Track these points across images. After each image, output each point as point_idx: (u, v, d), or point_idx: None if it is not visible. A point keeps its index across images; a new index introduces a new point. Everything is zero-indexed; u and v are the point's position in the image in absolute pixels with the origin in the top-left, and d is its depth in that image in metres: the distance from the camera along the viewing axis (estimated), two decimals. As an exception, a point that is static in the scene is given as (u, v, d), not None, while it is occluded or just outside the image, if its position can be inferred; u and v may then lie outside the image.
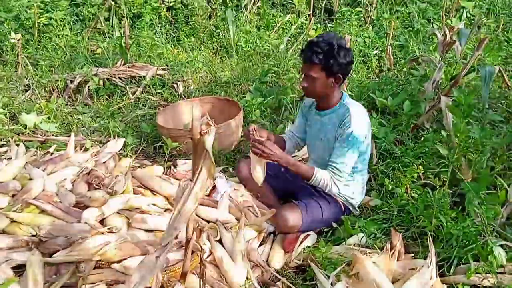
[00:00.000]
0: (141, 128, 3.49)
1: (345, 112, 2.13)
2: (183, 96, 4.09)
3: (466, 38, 3.03)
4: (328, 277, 1.84)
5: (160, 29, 5.44)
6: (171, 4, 5.70)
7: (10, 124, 3.42)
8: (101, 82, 4.08)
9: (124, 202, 2.15)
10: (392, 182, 2.39)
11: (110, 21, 5.29)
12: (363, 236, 2.12)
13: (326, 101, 2.21)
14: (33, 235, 1.95)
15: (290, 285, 1.91)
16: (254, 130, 2.11)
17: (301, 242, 2.15)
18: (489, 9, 5.85)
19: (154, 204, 2.27)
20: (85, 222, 1.99)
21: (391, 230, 2.06)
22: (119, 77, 4.23)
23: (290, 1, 6.07)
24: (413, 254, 2.02)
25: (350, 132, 2.06)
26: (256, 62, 4.80)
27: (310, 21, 5.22)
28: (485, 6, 5.87)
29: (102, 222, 2.08)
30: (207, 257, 1.96)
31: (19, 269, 1.86)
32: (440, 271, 1.90)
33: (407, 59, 4.28)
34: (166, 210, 2.29)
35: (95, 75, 4.12)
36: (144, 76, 4.26)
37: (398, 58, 4.65)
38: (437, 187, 2.21)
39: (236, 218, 2.26)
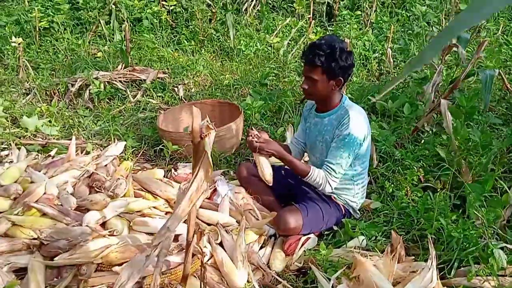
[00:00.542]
0: (142, 131, 3.50)
1: (344, 114, 2.13)
2: (184, 99, 4.10)
3: (466, 42, 3.04)
4: (329, 279, 1.84)
5: (161, 33, 5.46)
6: (171, 8, 5.73)
7: (11, 127, 3.43)
8: (102, 85, 4.09)
9: (125, 205, 2.15)
10: (392, 185, 2.40)
11: (111, 24, 5.32)
12: (363, 239, 2.12)
13: (326, 104, 2.21)
14: (34, 238, 1.95)
15: (291, 288, 1.91)
16: (252, 129, 2.19)
17: (302, 245, 2.15)
18: (489, 12, 5.85)
19: (155, 207, 2.27)
20: (86, 225, 1.99)
21: (392, 233, 2.06)
22: (120, 81, 4.24)
23: (290, 4, 6.09)
24: (413, 257, 2.02)
25: (348, 133, 2.07)
26: (257, 65, 4.81)
27: (310, 24, 5.24)
28: (485, 9, 5.87)
29: (103, 225, 2.08)
30: (208, 260, 1.97)
31: (21, 273, 1.86)
32: (441, 273, 1.90)
33: (407, 62, 4.29)
34: (167, 213, 2.29)
35: (96, 78, 4.13)
36: (144, 80, 4.28)
37: (398, 61, 4.67)
38: (438, 189, 2.21)
39: (236, 221, 2.26)
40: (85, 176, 2.44)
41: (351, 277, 1.82)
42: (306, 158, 2.76)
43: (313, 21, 5.53)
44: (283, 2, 6.26)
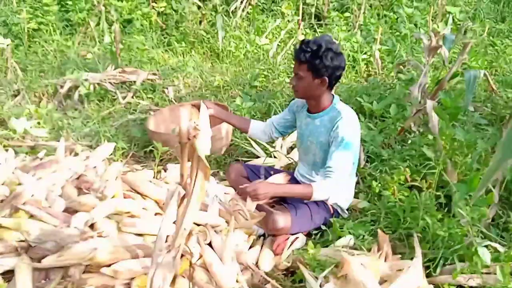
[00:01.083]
0: (131, 133, 3.50)
1: (337, 116, 2.14)
2: (174, 101, 4.11)
3: (451, 43, 3.09)
4: (317, 278, 1.86)
5: (151, 34, 5.46)
6: (161, 10, 5.72)
7: (-1, 129, 3.41)
8: (91, 87, 4.08)
9: (114, 206, 2.15)
10: (379, 185, 2.42)
11: (101, 26, 5.30)
12: (351, 238, 2.14)
13: (316, 104, 2.23)
14: (22, 240, 1.94)
15: (280, 287, 1.92)
16: (204, 103, 2.20)
17: (291, 245, 2.17)
18: (475, 14, 5.95)
19: (144, 208, 2.27)
20: (75, 227, 1.99)
21: (379, 232, 2.09)
22: (109, 82, 4.22)
23: (279, 6, 6.12)
24: (400, 255, 2.04)
25: (344, 136, 2.08)
26: (246, 66, 4.83)
27: (299, 26, 5.27)
28: (471, 11, 5.97)
29: (92, 226, 2.08)
30: (197, 261, 1.97)
31: (8, 275, 1.85)
32: (427, 271, 1.92)
33: (394, 63, 4.34)
34: (156, 214, 2.29)
35: (86, 80, 4.11)
36: (134, 81, 4.27)
37: (386, 63, 4.72)
38: (424, 189, 2.24)
39: (226, 221, 2.27)
40: (74, 177, 2.43)
41: (339, 276, 1.84)
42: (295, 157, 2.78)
43: (302, 22, 5.56)
44: (272, 4, 6.29)
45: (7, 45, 4.21)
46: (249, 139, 3.16)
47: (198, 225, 2.23)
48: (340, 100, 2.29)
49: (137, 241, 2.05)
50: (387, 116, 3.28)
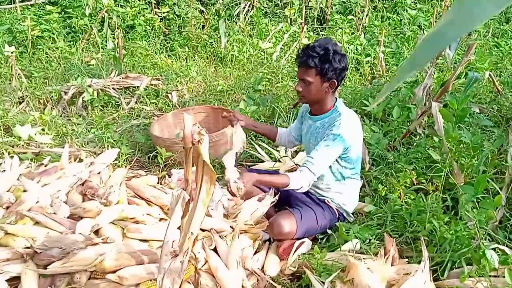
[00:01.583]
0: (135, 138, 3.50)
1: (336, 117, 2.15)
2: (178, 106, 4.11)
3: (456, 45, 3.08)
4: (323, 283, 1.85)
5: (154, 40, 5.47)
6: (164, 15, 5.74)
7: (4, 136, 3.42)
8: (95, 93, 4.09)
9: (119, 212, 2.15)
10: (385, 188, 2.41)
11: (104, 32, 5.32)
12: (357, 242, 2.13)
13: (320, 107, 2.23)
14: (27, 247, 1.94)
15: (286, 292, 1.92)
16: (233, 116, 2.20)
17: (296, 249, 2.16)
18: (479, 15, 5.92)
19: (148, 214, 2.27)
20: (80, 233, 1.99)
21: (385, 236, 2.07)
22: (113, 88, 4.24)
23: (282, 10, 6.13)
24: (407, 259, 2.03)
25: (337, 134, 2.07)
26: (250, 70, 4.83)
27: (302, 29, 5.27)
28: (475, 12, 5.94)
29: (96, 232, 2.08)
30: (202, 266, 1.96)
31: (14, 281, 1.85)
32: (434, 275, 1.91)
33: (399, 65, 4.33)
34: (161, 219, 2.29)
35: (89, 86, 4.13)
36: (138, 87, 4.28)
37: (390, 65, 4.70)
38: (430, 192, 2.23)
39: (230, 226, 2.26)
40: (78, 184, 2.43)
41: (345, 280, 1.83)
42: (301, 161, 2.77)
43: (306, 26, 5.56)
44: (275, 8, 6.30)
45: (12, 53, 4.24)
46: (253, 143, 3.16)
47: (203, 230, 2.22)
48: (344, 103, 2.28)
49: (142, 247, 2.05)
50: (391, 119, 3.27)
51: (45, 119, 3.65)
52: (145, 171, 3.06)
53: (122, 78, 4.37)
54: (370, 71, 4.73)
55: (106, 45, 5.19)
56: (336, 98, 2.25)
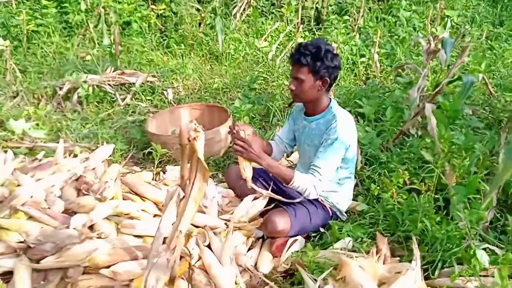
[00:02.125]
0: (130, 135, 3.50)
1: (332, 119, 2.16)
2: (173, 103, 4.11)
3: (450, 47, 3.10)
4: (316, 280, 1.86)
5: (150, 37, 5.46)
6: (160, 12, 5.73)
7: (-2, 130, 3.41)
8: (90, 89, 4.08)
9: (113, 208, 2.15)
10: (378, 187, 2.43)
11: (100, 28, 5.30)
12: (350, 241, 2.15)
13: (314, 107, 2.24)
14: (21, 242, 1.94)
15: (278, 289, 1.93)
16: (238, 126, 2.11)
17: (289, 247, 2.17)
18: (473, 18, 5.97)
19: (143, 210, 2.28)
20: (74, 228, 1.99)
21: (377, 234, 2.10)
22: (108, 84, 4.23)
23: (279, 9, 6.14)
24: (398, 258, 2.05)
25: (336, 138, 2.09)
26: (246, 69, 4.84)
27: (298, 29, 5.28)
28: (469, 15, 5.99)
29: (91, 228, 2.08)
30: (196, 262, 1.98)
31: (7, 276, 1.85)
32: (425, 274, 1.93)
33: (393, 66, 4.36)
34: (155, 215, 2.30)
35: (85, 82, 4.12)
36: (133, 83, 4.28)
37: (385, 66, 4.73)
38: (422, 192, 2.25)
39: (224, 223, 2.28)
40: (73, 179, 2.43)
41: (337, 278, 1.85)
42: (295, 160, 2.78)
43: (302, 25, 5.58)
44: (272, 7, 6.31)
45: (6, 47, 4.21)
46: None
47: (197, 227, 2.23)
48: (338, 103, 2.30)
49: (136, 242, 2.06)
50: (385, 120, 3.29)
51: (39, 114, 3.64)
52: (140, 167, 3.06)
53: (118, 74, 4.36)
54: (365, 72, 4.76)
55: (102, 41, 5.17)
56: (331, 99, 2.27)
